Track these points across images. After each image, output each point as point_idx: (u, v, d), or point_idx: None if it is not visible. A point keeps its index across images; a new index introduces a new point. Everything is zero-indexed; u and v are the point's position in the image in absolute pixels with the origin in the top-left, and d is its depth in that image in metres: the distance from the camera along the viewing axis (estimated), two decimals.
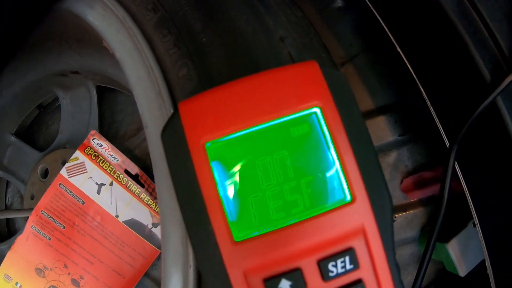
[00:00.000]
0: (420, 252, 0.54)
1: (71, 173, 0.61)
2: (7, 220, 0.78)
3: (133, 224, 0.61)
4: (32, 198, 0.70)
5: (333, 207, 0.26)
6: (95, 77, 0.65)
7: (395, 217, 0.52)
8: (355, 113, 0.27)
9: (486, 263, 0.41)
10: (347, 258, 0.26)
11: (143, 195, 0.61)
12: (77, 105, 0.69)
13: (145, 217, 0.61)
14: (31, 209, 0.62)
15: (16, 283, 0.63)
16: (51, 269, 0.62)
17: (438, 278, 0.56)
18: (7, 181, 0.79)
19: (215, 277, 0.26)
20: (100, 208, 0.61)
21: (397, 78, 0.53)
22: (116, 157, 0.60)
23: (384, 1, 0.43)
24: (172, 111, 0.36)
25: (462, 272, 0.49)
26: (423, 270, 0.40)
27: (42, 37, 0.61)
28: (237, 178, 0.27)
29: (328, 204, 0.26)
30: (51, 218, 0.62)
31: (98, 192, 0.61)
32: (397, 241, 0.53)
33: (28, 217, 0.62)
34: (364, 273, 0.26)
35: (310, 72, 0.27)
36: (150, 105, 0.38)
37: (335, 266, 0.25)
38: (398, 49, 0.43)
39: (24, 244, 0.62)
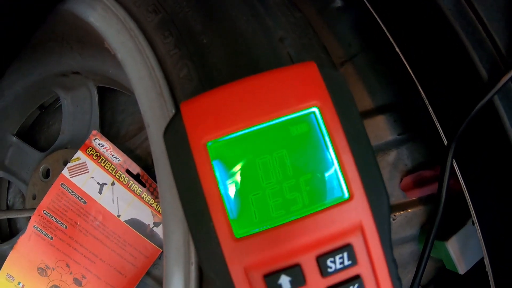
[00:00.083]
0: (420, 251, 0.54)
1: (73, 173, 0.61)
2: (9, 220, 0.78)
3: (135, 224, 0.62)
4: (34, 198, 0.70)
5: (332, 205, 0.27)
6: (96, 77, 0.65)
7: (394, 215, 0.53)
8: (353, 112, 0.27)
9: (485, 261, 0.41)
10: (345, 254, 0.26)
11: (145, 195, 0.61)
12: (78, 105, 0.69)
13: (147, 216, 0.62)
14: (33, 209, 0.63)
15: (19, 283, 0.63)
16: (53, 269, 0.63)
17: (437, 276, 0.57)
18: (9, 182, 0.80)
19: (216, 273, 0.26)
20: (102, 207, 0.61)
21: (396, 78, 0.53)
22: (118, 157, 0.61)
23: (382, 1, 0.44)
24: (173, 111, 0.37)
25: (462, 270, 0.49)
26: (422, 267, 0.40)
27: (44, 37, 0.61)
28: (237, 176, 0.27)
29: (327, 202, 0.27)
30: (53, 218, 0.62)
31: (100, 192, 0.61)
32: (397, 240, 0.53)
33: (30, 217, 0.63)
34: (362, 269, 0.26)
35: (309, 72, 0.28)
36: (151, 105, 0.38)
37: (334, 262, 0.26)
38: (397, 49, 0.43)
39: (26, 244, 0.62)
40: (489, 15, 0.36)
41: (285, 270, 0.26)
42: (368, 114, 0.53)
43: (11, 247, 0.63)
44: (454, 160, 0.40)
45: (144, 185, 0.61)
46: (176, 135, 0.27)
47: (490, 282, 0.41)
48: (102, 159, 0.61)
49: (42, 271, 0.63)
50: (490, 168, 0.39)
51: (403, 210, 0.53)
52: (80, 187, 0.61)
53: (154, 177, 0.61)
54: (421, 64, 0.42)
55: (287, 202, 0.27)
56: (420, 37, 0.41)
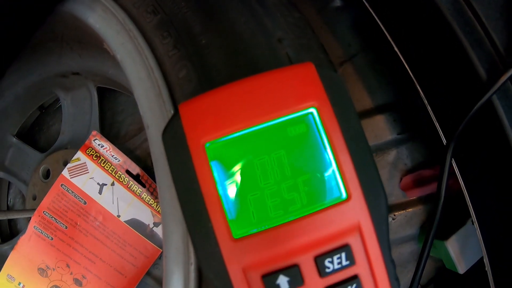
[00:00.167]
0: (420, 250, 0.54)
1: (73, 173, 0.61)
2: (9, 220, 0.78)
3: (135, 224, 0.62)
4: (34, 198, 0.70)
5: (329, 205, 0.27)
6: (96, 78, 0.66)
7: (394, 215, 0.53)
8: (350, 113, 0.27)
9: (485, 261, 0.41)
10: (343, 255, 0.26)
11: (144, 195, 0.61)
12: (78, 106, 0.69)
13: (147, 216, 0.62)
14: (33, 210, 0.63)
15: (19, 283, 0.64)
16: (53, 269, 0.63)
17: (437, 276, 0.57)
18: (9, 182, 0.80)
19: (215, 274, 0.26)
20: (102, 208, 0.61)
21: (396, 77, 0.53)
22: (118, 157, 0.61)
23: (381, 1, 0.44)
24: (172, 111, 0.37)
25: (461, 269, 0.49)
26: (421, 267, 0.40)
27: (44, 38, 0.61)
28: (236, 177, 0.27)
29: (325, 202, 0.27)
30: (53, 219, 0.62)
31: (100, 192, 0.61)
32: (397, 239, 0.53)
33: (30, 218, 0.63)
34: (360, 269, 0.26)
35: (307, 73, 0.28)
36: (150, 106, 0.38)
37: (332, 262, 0.26)
38: (395, 49, 0.43)
39: (27, 245, 0.63)
40: (487, 14, 0.36)
41: (283, 270, 0.26)
42: (367, 113, 0.53)
43: (12, 248, 0.63)
44: (453, 159, 0.40)
45: (144, 186, 0.61)
46: (174, 136, 0.27)
47: (490, 281, 0.41)
48: (102, 160, 0.61)
49: (42, 271, 0.63)
50: (489, 168, 0.39)
51: (403, 210, 0.53)
52: (80, 187, 0.61)
53: (154, 178, 0.61)
54: (419, 64, 0.42)
55: (285, 203, 0.27)
56: (419, 37, 0.41)
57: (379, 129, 0.52)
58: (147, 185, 0.61)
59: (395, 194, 0.53)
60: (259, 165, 0.27)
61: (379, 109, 0.53)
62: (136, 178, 0.62)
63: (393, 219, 0.53)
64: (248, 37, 0.36)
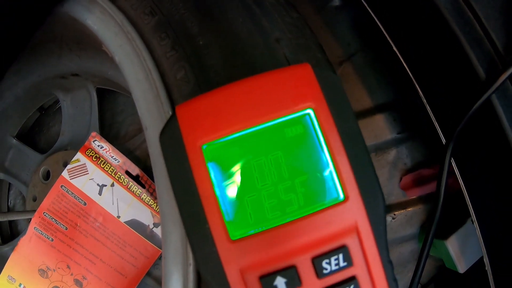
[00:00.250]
0: (420, 249, 0.54)
1: (73, 174, 0.61)
2: (10, 222, 0.79)
3: (135, 224, 0.62)
4: (34, 200, 0.70)
5: (327, 206, 0.27)
6: (95, 79, 0.66)
7: (394, 214, 0.53)
8: (347, 113, 0.27)
9: (485, 260, 0.41)
10: (341, 256, 0.26)
11: (144, 196, 0.62)
12: (77, 107, 0.69)
13: (146, 217, 0.62)
14: (33, 211, 0.63)
15: (20, 284, 0.64)
16: (54, 270, 0.63)
17: (437, 275, 0.57)
18: (9, 184, 0.80)
19: (212, 275, 0.26)
20: (102, 209, 0.62)
21: (395, 77, 0.53)
22: (117, 158, 0.61)
23: (379, 1, 0.44)
24: (170, 113, 0.37)
25: (461, 268, 0.49)
26: (421, 266, 0.40)
27: (43, 39, 0.61)
28: (233, 178, 0.27)
29: (322, 203, 0.27)
30: (53, 220, 0.62)
31: (100, 193, 0.62)
32: (397, 238, 0.53)
33: (30, 219, 0.63)
34: (358, 270, 0.26)
35: (303, 74, 0.28)
36: (149, 107, 0.38)
37: (329, 263, 0.26)
38: (394, 48, 0.43)
39: (27, 246, 0.63)
40: (486, 14, 0.36)
41: (281, 272, 0.26)
42: (367, 113, 0.53)
43: (12, 249, 0.64)
44: (452, 158, 0.40)
45: (143, 186, 0.62)
46: (171, 138, 0.27)
47: (490, 280, 0.41)
48: (102, 161, 0.61)
49: (43, 272, 0.63)
50: (489, 167, 0.39)
51: (403, 209, 0.53)
52: (80, 188, 0.61)
53: (153, 178, 0.61)
54: (418, 63, 0.42)
55: (282, 204, 0.27)
56: (418, 36, 0.41)
57: (379, 129, 0.52)
58: (146, 186, 0.61)
59: (395, 194, 0.53)
60: (256, 166, 0.27)
61: (379, 109, 0.53)
62: (136, 179, 0.62)
63: (393, 218, 0.53)
64: (245, 38, 0.36)
